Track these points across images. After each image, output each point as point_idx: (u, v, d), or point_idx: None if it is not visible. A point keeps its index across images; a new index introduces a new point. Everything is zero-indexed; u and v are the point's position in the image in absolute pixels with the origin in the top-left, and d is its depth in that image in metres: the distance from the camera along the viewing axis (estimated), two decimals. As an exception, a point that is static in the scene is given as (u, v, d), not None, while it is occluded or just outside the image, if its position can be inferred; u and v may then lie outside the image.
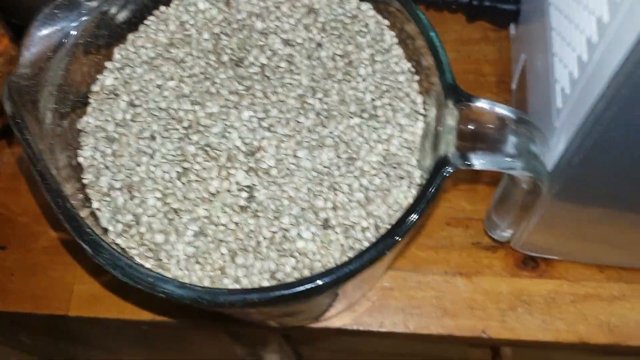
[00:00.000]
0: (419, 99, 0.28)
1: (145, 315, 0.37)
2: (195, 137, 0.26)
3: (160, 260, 0.24)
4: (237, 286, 0.23)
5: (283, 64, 0.27)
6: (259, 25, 0.28)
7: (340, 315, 0.36)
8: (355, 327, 0.36)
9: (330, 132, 0.27)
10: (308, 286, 0.21)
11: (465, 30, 0.44)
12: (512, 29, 0.39)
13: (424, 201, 0.23)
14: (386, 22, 0.29)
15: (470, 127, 0.25)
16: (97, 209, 0.25)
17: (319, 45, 0.28)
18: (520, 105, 0.37)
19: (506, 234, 0.31)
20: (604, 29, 0.22)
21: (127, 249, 0.24)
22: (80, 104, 0.28)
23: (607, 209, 0.28)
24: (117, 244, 0.24)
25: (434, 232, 0.38)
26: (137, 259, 0.24)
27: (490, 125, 0.25)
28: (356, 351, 0.58)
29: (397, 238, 0.23)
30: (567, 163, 0.25)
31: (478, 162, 0.25)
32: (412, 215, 0.23)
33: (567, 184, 0.25)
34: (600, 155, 0.23)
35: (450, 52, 0.43)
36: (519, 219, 0.30)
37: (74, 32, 0.26)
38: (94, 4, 0.27)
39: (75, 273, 0.38)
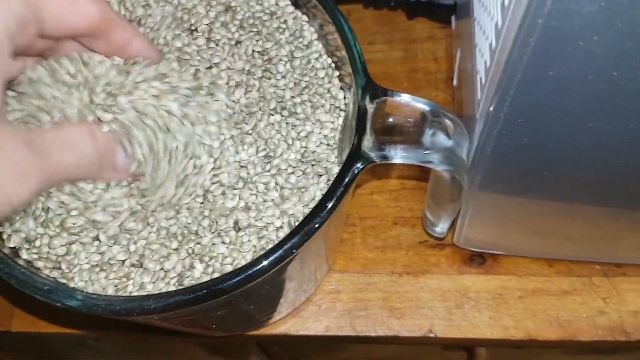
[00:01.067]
0: (341, 95, 0.28)
1: (89, 329, 0.36)
2: None
3: (62, 270, 0.23)
4: (142, 293, 0.22)
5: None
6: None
7: (285, 320, 0.35)
8: (300, 332, 0.35)
9: (251, 130, 0.26)
10: (207, 290, 0.20)
11: (412, 29, 0.44)
12: (453, 23, 0.39)
13: (333, 197, 0.22)
14: (305, 17, 0.28)
15: (388, 120, 0.25)
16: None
17: (238, 42, 0.28)
18: (459, 101, 0.36)
19: (440, 229, 0.31)
20: (505, 13, 0.21)
21: (32, 261, 0.23)
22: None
23: (533, 199, 0.27)
24: (18, 255, 0.23)
25: (382, 232, 0.38)
26: (44, 270, 0.23)
27: (408, 119, 0.25)
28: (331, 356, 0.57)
29: (306, 235, 0.22)
30: (481, 153, 0.24)
31: (395, 155, 0.24)
32: (320, 213, 0.22)
33: (486, 174, 0.25)
34: (508, 143, 0.22)
35: (398, 51, 0.44)
36: (450, 211, 0.29)
37: None
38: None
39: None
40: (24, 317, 0.37)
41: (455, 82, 0.38)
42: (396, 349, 0.58)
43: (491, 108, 0.21)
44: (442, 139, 0.25)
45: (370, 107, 0.24)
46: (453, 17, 0.38)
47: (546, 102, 0.20)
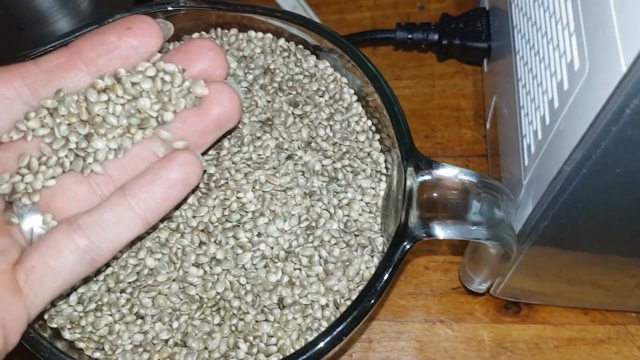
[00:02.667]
0: (382, 159, 0.27)
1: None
2: None
3: (104, 350, 0.22)
4: (187, 376, 0.22)
5: None
6: None
7: (317, 371, 0.35)
8: (332, 384, 0.35)
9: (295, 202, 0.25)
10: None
11: (439, 64, 0.43)
12: (485, 65, 0.38)
13: (382, 279, 0.22)
14: (344, 79, 0.28)
15: (433, 195, 0.24)
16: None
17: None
18: (493, 145, 0.35)
19: (482, 287, 0.30)
20: (565, 96, 0.20)
21: (74, 341, 0.23)
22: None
23: (583, 252, 0.27)
24: (60, 336, 0.23)
25: (414, 278, 0.37)
26: (86, 352, 0.23)
27: (453, 192, 0.24)
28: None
29: (357, 320, 0.21)
30: (535, 222, 0.23)
31: (441, 232, 0.23)
32: (370, 296, 0.21)
33: (538, 239, 0.24)
34: (563, 223, 0.22)
35: (425, 87, 0.43)
36: (494, 275, 0.28)
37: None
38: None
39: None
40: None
41: (488, 124, 0.38)
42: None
43: (551, 189, 0.21)
44: (489, 212, 0.24)
45: (415, 180, 0.24)
46: (485, 60, 0.38)
47: (608, 194, 0.19)
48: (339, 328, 0.21)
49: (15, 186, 0.20)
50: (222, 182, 0.25)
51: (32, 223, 0.20)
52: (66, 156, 0.21)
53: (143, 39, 0.22)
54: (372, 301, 0.22)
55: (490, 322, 0.36)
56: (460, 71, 0.43)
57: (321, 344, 0.21)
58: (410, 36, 0.38)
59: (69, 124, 0.21)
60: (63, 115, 0.21)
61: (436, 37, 0.38)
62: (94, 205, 0.21)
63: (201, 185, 0.25)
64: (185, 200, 0.24)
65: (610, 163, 0.18)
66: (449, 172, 0.24)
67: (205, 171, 0.25)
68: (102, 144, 0.21)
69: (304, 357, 0.21)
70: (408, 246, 0.22)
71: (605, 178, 0.18)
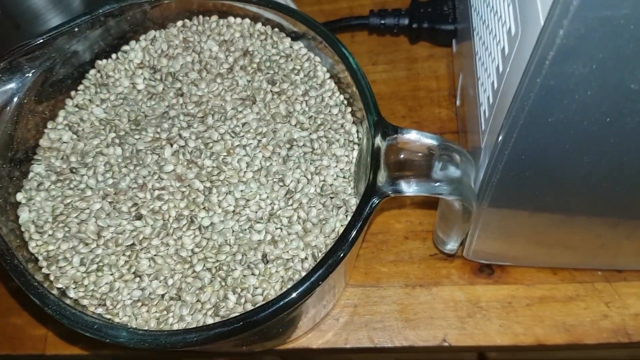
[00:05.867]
0: (354, 129, 0.29)
1: (121, 349, 0.38)
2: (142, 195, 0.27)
3: (107, 306, 0.25)
4: (182, 325, 0.25)
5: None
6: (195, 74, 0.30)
7: (306, 335, 0.37)
8: (321, 346, 0.37)
9: (275, 170, 0.28)
10: (244, 321, 0.23)
11: (414, 48, 0.45)
12: (454, 46, 0.41)
13: (353, 230, 0.24)
14: (317, 58, 0.30)
15: (400, 156, 0.27)
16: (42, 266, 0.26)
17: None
18: (463, 121, 0.38)
19: (452, 247, 0.33)
20: (506, 60, 0.23)
21: (78, 299, 0.25)
22: (30, 157, 0.29)
23: (536, 213, 0.29)
24: (66, 295, 0.25)
25: (394, 247, 0.40)
26: (89, 308, 0.25)
27: (418, 154, 0.27)
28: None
29: (331, 267, 0.24)
30: (488, 182, 0.26)
31: (407, 188, 0.26)
32: (342, 246, 0.24)
33: (493, 198, 0.27)
34: (512, 175, 0.24)
35: (401, 70, 0.45)
36: (461, 232, 0.31)
37: (18, 93, 0.28)
38: (35, 63, 0.28)
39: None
40: (57, 341, 0.39)
41: (458, 102, 0.40)
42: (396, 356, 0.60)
43: (498, 142, 0.23)
44: (450, 170, 0.27)
45: (382, 145, 0.26)
46: (454, 41, 0.40)
47: (545, 143, 0.22)
48: (316, 274, 0.24)
49: None
50: (209, 153, 0.27)
51: None
52: None
53: None
54: (345, 250, 0.24)
55: (465, 284, 0.38)
56: (434, 54, 0.45)
57: (300, 289, 0.23)
58: (382, 22, 0.41)
59: None
60: None
61: (407, 21, 0.40)
62: None
63: (188, 156, 0.27)
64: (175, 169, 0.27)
65: (541, 113, 0.20)
66: (413, 136, 0.26)
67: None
68: None
69: (285, 300, 0.23)
70: (376, 201, 0.25)
71: (539, 128, 0.21)
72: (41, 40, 0.28)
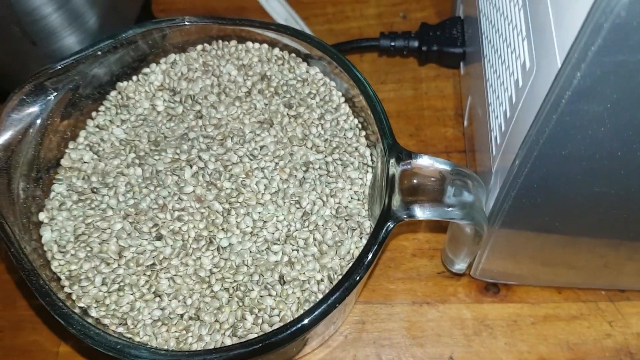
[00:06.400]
0: (367, 152, 0.30)
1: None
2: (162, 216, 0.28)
3: (127, 325, 0.26)
4: (201, 344, 0.25)
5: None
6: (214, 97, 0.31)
7: (315, 352, 0.38)
8: (329, 362, 0.38)
9: (292, 192, 0.29)
10: (263, 343, 0.23)
11: (421, 69, 0.46)
12: (462, 68, 0.42)
13: (369, 254, 0.25)
14: (333, 83, 0.31)
15: (413, 181, 0.27)
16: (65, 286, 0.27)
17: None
18: (470, 140, 0.39)
19: (461, 267, 0.34)
20: (520, 92, 0.24)
21: (99, 318, 0.26)
22: (51, 176, 0.30)
23: (547, 234, 0.30)
24: (87, 314, 0.26)
25: (402, 264, 0.40)
26: (110, 327, 0.26)
27: (431, 178, 0.27)
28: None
29: (347, 291, 0.25)
30: (501, 203, 0.27)
31: (420, 213, 0.27)
32: (358, 270, 0.25)
33: (505, 218, 0.28)
34: (524, 202, 0.25)
35: (409, 89, 0.46)
36: (470, 254, 0.32)
37: (42, 114, 0.28)
38: (59, 85, 0.29)
39: (62, 329, 0.40)
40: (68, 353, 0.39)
41: (465, 122, 0.41)
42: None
43: (511, 171, 0.24)
44: (463, 195, 0.27)
45: (397, 170, 0.27)
46: (462, 63, 0.41)
47: (558, 173, 0.23)
48: (333, 297, 0.24)
49: None
50: (228, 175, 0.28)
51: None
52: None
53: None
54: (361, 274, 0.25)
55: (472, 302, 0.39)
56: (441, 74, 0.46)
57: (317, 312, 0.24)
58: (392, 44, 0.42)
59: None
60: None
61: (416, 44, 0.41)
62: None
63: (207, 178, 0.28)
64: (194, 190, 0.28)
65: (556, 146, 0.21)
66: (426, 162, 0.27)
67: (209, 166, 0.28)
68: None
69: (303, 323, 0.24)
70: (391, 226, 0.26)
71: (553, 159, 0.22)
72: (65, 64, 0.29)
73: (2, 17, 0.38)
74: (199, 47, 0.32)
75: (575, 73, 0.17)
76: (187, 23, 0.30)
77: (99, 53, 0.29)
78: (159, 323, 0.26)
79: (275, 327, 0.26)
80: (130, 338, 0.26)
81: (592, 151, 0.21)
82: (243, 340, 0.24)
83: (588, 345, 0.37)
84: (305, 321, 0.24)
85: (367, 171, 0.30)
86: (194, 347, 0.25)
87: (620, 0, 0.15)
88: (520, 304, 0.39)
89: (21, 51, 0.41)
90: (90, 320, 0.26)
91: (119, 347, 0.24)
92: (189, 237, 0.27)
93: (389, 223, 0.26)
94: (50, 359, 0.39)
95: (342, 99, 0.31)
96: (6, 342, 0.40)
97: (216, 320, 0.26)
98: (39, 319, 0.40)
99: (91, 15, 0.43)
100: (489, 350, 0.37)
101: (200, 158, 0.29)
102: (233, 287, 0.27)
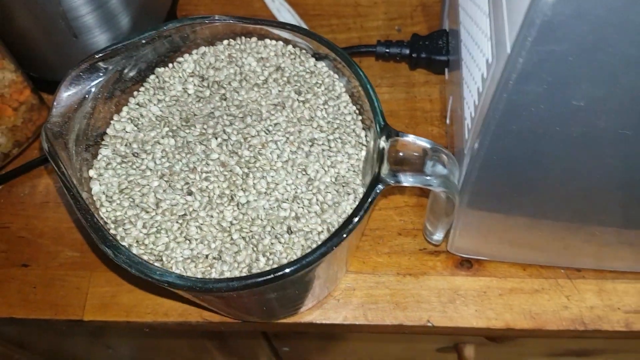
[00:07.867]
0: (363, 134, 0.36)
1: (148, 317, 0.44)
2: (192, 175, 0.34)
3: (163, 261, 0.31)
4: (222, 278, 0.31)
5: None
6: (236, 83, 0.37)
7: (310, 312, 0.43)
8: (323, 321, 0.43)
9: (300, 162, 0.35)
10: (274, 274, 0.29)
11: (412, 74, 0.53)
12: (446, 74, 0.48)
13: (362, 210, 0.31)
14: (336, 75, 0.37)
15: (400, 154, 0.34)
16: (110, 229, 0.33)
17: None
18: (451, 135, 0.45)
19: (438, 237, 0.39)
20: (484, 83, 0.30)
21: (139, 255, 0.32)
22: (98, 142, 0.36)
23: (509, 215, 0.36)
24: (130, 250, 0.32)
25: (389, 241, 0.46)
26: (149, 262, 0.32)
27: (414, 153, 0.34)
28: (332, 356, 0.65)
29: (344, 236, 0.30)
30: (468, 180, 0.33)
31: (405, 180, 0.33)
32: (353, 220, 0.31)
33: (472, 196, 0.34)
34: (488, 173, 0.31)
35: (401, 93, 0.53)
36: (445, 224, 0.38)
37: (94, 89, 0.34)
38: (110, 67, 0.35)
39: (88, 285, 0.45)
40: (95, 309, 0.44)
41: (448, 121, 0.47)
42: (396, 350, 0.66)
43: (475, 148, 0.30)
44: (439, 168, 0.33)
45: (386, 145, 0.33)
46: (446, 69, 0.48)
47: (512, 149, 0.29)
48: (331, 241, 0.30)
49: None
50: (247, 145, 0.34)
51: None
52: None
53: None
54: (352, 226, 0.31)
55: (448, 275, 0.44)
56: (429, 81, 0.52)
57: (318, 252, 0.30)
58: (387, 50, 0.48)
59: None
60: None
61: (407, 51, 0.48)
62: None
63: (230, 147, 0.34)
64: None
65: (507, 121, 0.27)
66: (411, 139, 0.33)
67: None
68: None
69: (307, 259, 0.30)
70: (381, 188, 0.32)
71: (506, 135, 0.28)
72: (115, 48, 0.35)
73: (52, 12, 0.45)
74: (225, 41, 0.38)
75: (518, 59, 0.24)
76: (216, 21, 0.37)
77: (143, 42, 0.35)
78: (189, 260, 0.32)
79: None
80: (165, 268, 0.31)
81: (535, 126, 0.27)
82: (257, 274, 0.30)
83: (548, 315, 0.42)
84: (310, 258, 0.30)
85: (362, 149, 0.36)
86: (217, 279, 0.31)
87: (548, 2, 0.21)
88: (489, 277, 0.44)
89: (65, 42, 0.48)
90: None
91: (158, 273, 0.29)
92: (214, 194, 0.33)
93: (378, 186, 0.32)
94: (78, 310, 0.44)
95: (343, 89, 0.37)
96: (38, 297, 0.45)
97: (235, 261, 0.32)
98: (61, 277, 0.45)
99: (124, 15, 0.49)
100: (461, 316, 0.43)
101: (224, 131, 0.35)
102: (249, 236, 0.33)
